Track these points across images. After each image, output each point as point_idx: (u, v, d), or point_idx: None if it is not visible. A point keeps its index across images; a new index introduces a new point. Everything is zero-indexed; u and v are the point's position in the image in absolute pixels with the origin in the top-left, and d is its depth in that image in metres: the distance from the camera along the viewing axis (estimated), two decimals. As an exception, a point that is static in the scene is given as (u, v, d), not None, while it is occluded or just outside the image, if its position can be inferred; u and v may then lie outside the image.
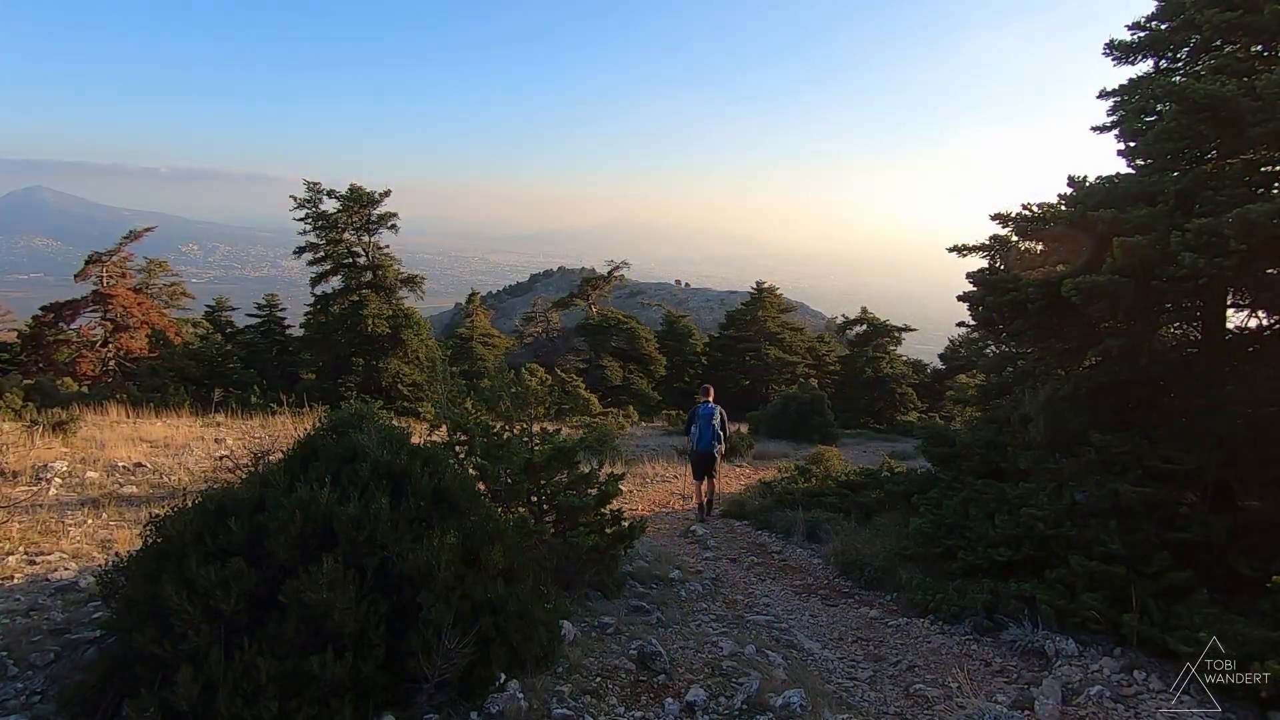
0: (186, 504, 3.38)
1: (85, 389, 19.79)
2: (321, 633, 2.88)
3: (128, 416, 12.81)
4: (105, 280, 24.75)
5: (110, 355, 24.37)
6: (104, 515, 6.20)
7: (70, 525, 5.81)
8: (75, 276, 24.89)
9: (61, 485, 7.01)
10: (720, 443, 9.14)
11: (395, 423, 4.26)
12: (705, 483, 9.36)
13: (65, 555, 5.09)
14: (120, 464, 8.12)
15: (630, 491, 10.56)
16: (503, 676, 3.25)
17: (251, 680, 2.71)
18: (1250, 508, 5.62)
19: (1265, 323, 5.85)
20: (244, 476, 3.67)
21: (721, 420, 9.17)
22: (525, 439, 5.34)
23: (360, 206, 22.56)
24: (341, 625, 2.88)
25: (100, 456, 8.37)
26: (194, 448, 9.68)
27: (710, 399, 9.37)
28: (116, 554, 4.13)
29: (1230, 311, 5.97)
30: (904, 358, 33.71)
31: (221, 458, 8.85)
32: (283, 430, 11.27)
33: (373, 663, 2.93)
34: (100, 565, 3.98)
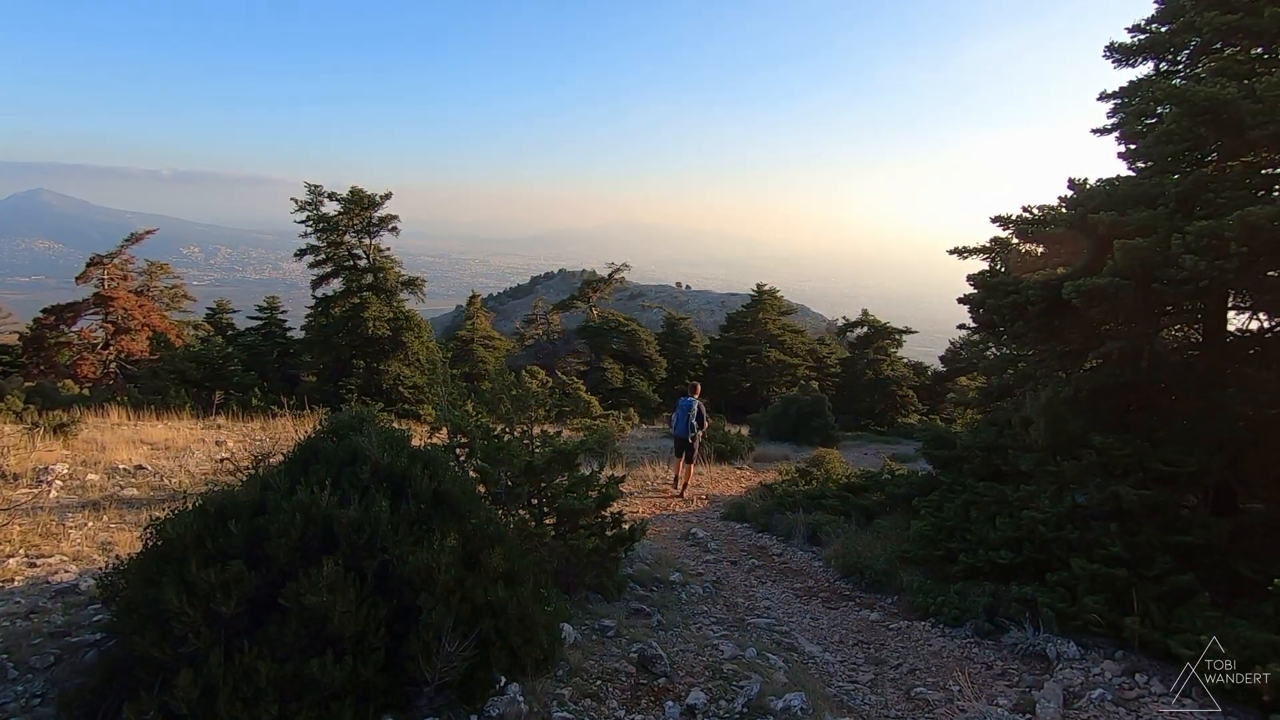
0: (187, 506, 3.37)
1: (86, 391, 19.81)
2: (322, 636, 2.88)
3: (128, 419, 12.82)
4: (106, 283, 24.77)
5: (111, 357, 24.38)
6: (104, 518, 6.19)
7: (71, 528, 5.81)
8: (76, 279, 24.89)
9: (62, 488, 7.01)
10: (695, 430, 10.44)
11: (396, 425, 4.26)
12: (681, 462, 10.76)
13: (66, 558, 5.09)
14: (121, 466, 8.12)
15: (631, 494, 10.54)
16: (503, 679, 3.25)
17: (251, 683, 2.71)
18: (1252, 510, 5.61)
19: (1266, 325, 5.84)
20: (244, 479, 3.68)
21: (699, 412, 10.47)
22: (526, 441, 5.34)
23: (361, 209, 22.62)
24: (342, 628, 2.88)
25: (101, 459, 8.37)
26: (195, 450, 9.68)
27: (694, 395, 10.74)
28: (117, 557, 4.12)
29: (1231, 314, 5.96)
30: (905, 360, 33.67)
31: (222, 460, 8.85)
32: (283, 433, 11.27)
33: (373, 666, 2.93)
34: (101, 568, 3.98)
